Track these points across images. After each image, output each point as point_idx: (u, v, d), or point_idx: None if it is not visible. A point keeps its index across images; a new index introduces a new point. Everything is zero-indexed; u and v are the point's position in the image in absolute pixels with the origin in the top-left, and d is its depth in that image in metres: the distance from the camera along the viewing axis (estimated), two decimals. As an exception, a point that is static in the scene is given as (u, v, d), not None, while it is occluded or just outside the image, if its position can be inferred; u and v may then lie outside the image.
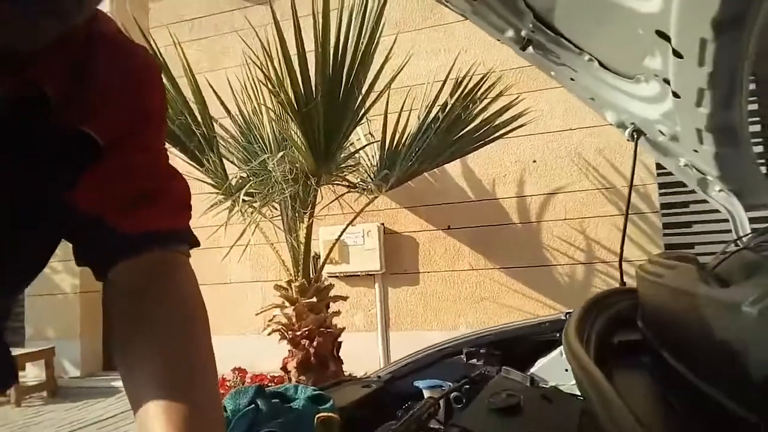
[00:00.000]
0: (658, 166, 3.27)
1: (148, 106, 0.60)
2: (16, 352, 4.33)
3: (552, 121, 3.65)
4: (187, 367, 0.52)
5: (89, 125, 0.54)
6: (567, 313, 1.22)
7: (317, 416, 0.87)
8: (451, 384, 1.05)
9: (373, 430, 0.85)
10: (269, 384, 2.68)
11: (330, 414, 0.88)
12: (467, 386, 1.04)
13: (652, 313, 0.66)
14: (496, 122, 3.10)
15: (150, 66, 0.62)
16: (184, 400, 0.49)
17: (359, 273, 3.73)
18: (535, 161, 3.67)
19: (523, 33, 1.05)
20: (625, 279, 1.38)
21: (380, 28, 2.59)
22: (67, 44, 0.52)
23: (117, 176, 0.57)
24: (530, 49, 1.08)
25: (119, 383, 3.88)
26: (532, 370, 1.11)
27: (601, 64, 1.02)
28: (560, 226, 3.58)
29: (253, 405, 0.92)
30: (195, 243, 0.63)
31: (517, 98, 3.19)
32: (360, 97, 2.62)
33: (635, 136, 1.30)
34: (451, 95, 2.97)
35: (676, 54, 0.68)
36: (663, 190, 3.45)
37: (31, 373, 4.48)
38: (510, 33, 1.06)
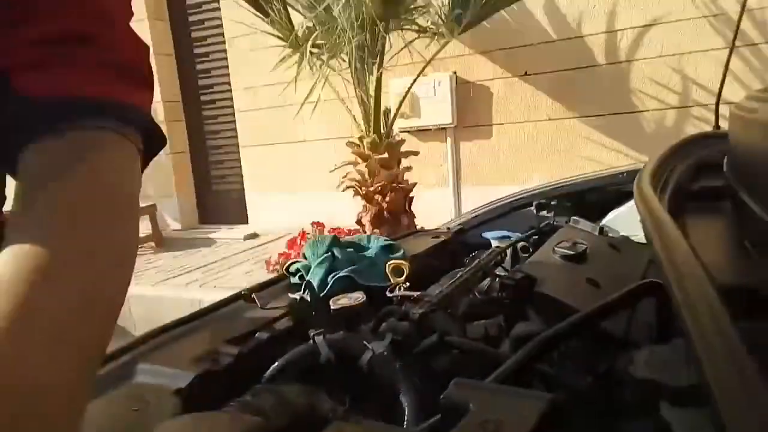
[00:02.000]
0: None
1: None
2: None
3: (655, -61, 3.09)
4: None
5: None
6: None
7: (388, 263, 0.92)
8: (519, 235, 1.06)
9: (440, 277, 0.90)
10: (346, 236, 2.88)
11: (400, 261, 0.94)
12: (535, 237, 1.05)
13: (740, 154, 0.60)
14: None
15: None
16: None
17: (430, 127, 3.67)
18: (630, -12, 3.20)
19: None
20: (724, 124, 1.26)
21: None
22: None
23: (31, 12, 0.37)
24: None
25: (216, 234, 4.33)
26: (603, 221, 1.09)
27: None
28: (654, 65, 3.21)
29: (330, 253, 0.99)
30: (155, 133, 0.43)
31: None
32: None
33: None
34: None
35: None
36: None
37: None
38: None
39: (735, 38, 1.29)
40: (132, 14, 0.45)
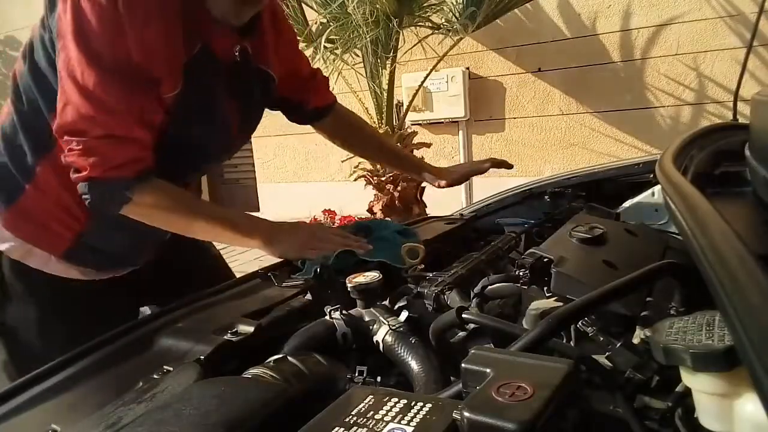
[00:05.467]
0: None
1: (295, 42, 1.18)
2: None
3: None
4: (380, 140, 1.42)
5: (269, 66, 1.02)
6: (664, 154, 1.14)
7: (404, 245, 0.93)
8: (533, 222, 1.06)
9: (454, 261, 0.90)
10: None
11: (415, 244, 0.94)
12: (549, 224, 1.05)
13: (763, 135, 0.60)
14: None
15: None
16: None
17: (443, 120, 3.67)
18: (646, -13, 3.18)
19: None
20: (741, 119, 1.25)
21: None
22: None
23: (300, 78, 1.15)
24: None
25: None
26: (619, 209, 1.09)
27: None
28: (669, 63, 3.19)
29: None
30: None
31: None
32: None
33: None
34: None
35: None
36: (804, 15, 2.90)
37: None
38: None
39: (753, 37, 1.28)
40: None
